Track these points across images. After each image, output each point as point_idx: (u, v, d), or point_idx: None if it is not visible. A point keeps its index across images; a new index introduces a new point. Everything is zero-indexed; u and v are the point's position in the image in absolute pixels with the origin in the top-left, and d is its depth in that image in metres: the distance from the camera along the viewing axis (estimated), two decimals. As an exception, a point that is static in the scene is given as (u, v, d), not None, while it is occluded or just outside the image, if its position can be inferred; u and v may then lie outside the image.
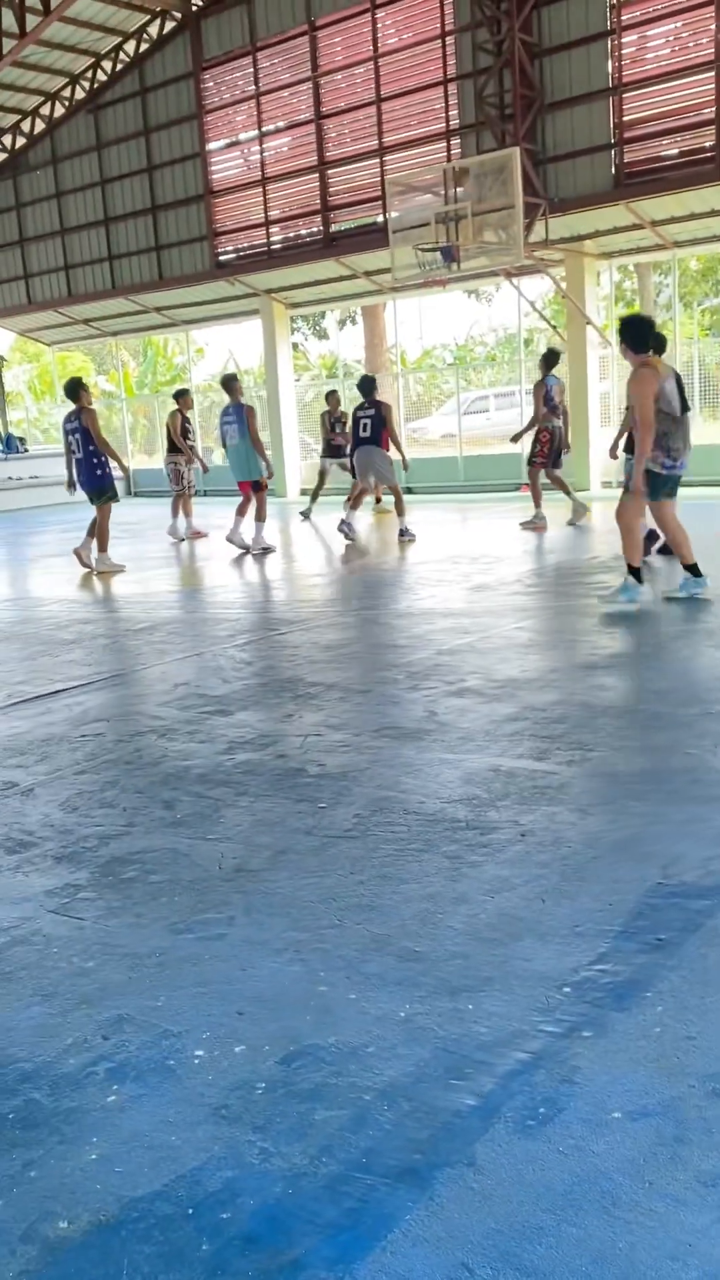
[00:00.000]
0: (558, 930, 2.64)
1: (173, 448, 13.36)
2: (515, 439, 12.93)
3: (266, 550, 11.12)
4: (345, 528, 11.47)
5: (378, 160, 16.92)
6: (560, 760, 3.91)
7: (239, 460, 11.13)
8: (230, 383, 11.32)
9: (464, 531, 12.54)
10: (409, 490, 18.24)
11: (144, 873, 3.14)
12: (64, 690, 5.58)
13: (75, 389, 10.25)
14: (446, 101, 15.97)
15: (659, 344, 7.20)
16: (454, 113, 15.89)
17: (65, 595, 9.29)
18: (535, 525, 11.46)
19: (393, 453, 11.53)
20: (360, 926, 2.71)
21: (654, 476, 6.60)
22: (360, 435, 11.51)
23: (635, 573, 6.70)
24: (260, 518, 11.15)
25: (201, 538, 12.98)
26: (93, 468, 10.21)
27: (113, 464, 10.34)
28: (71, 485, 10.53)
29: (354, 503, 11.76)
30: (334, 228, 17.88)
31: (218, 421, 11.63)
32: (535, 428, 11.60)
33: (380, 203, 16.53)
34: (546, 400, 11.37)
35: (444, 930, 2.67)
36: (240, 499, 11.41)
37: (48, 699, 5.41)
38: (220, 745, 4.38)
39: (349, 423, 12.39)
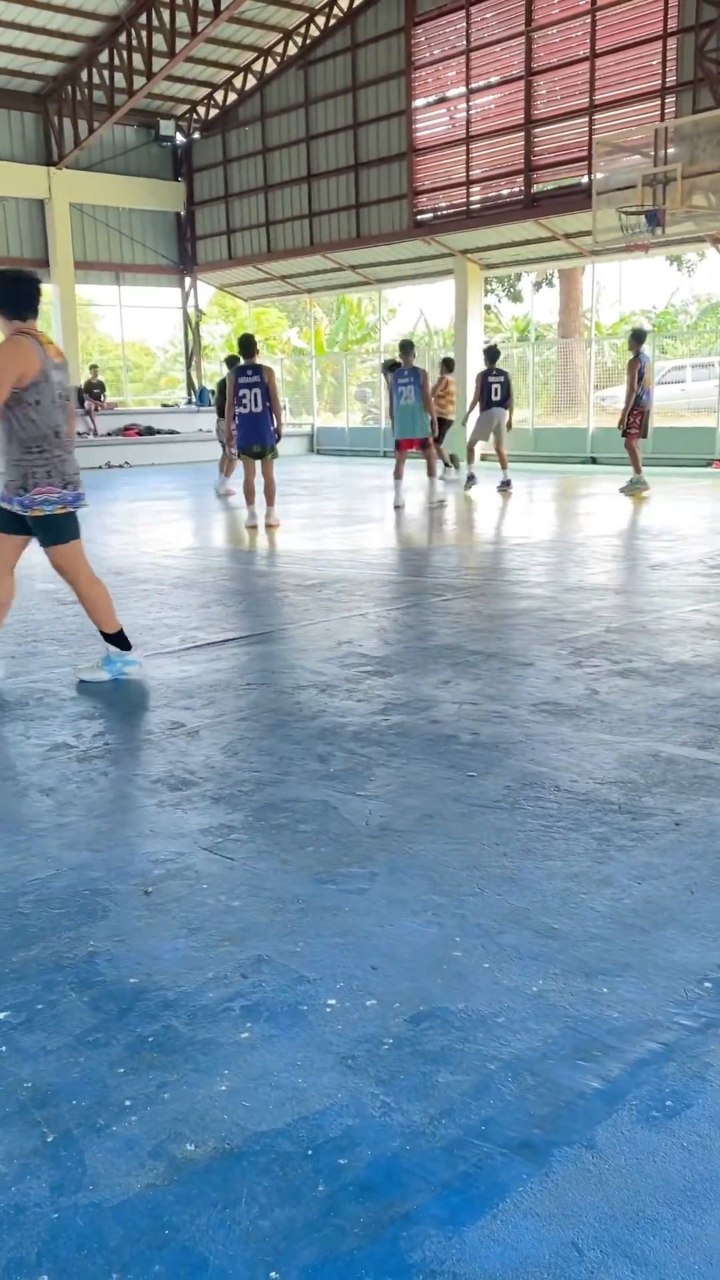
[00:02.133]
0: (704, 924, 2.56)
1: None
2: (621, 424, 13.04)
3: (441, 503, 12.10)
4: (470, 480, 13.14)
5: (586, 119, 16.42)
6: (724, 751, 3.78)
7: (409, 419, 11.91)
8: (407, 349, 12.10)
9: (648, 507, 12.17)
10: (594, 460, 17.84)
11: (294, 821, 3.23)
12: (233, 639, 5.75)
13: (253, 345, 10.54)
14: (665, 57, 15.32)
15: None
16: (670, 69, 15.23)
17: (242, 548, 9.54)
18: (634, 491, 12.59)
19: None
20: (500, 898, 2.71)
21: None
22: (493, 398, 13.37)
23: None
24: (431, 473, 12.27)
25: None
26: (269, 423, 10.43)
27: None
28: (231, 438, 10.81)
29: (470, 457, 13.48)
30: (535, 188, 17.49)
31: (389, 382, 12.60)
32: (629, 402, 12.60)
33: (586, 163, 16.07)
34: (639, 376, 12.37)
35: (585, 911, 2.64)
36: (399, 461, 12.17)
37: (218, 646, 5.59)
38: (376, 705, 4.43)
39: (480, 386, 13.56)
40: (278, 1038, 2.14)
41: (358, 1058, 2.07)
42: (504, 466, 13.76)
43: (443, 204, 19.00)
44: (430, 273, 21.11)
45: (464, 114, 18.29)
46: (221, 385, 14.11)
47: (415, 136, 19.10)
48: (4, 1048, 2.13)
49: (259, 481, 10.62)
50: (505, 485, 13.53)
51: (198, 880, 2.84)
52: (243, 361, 10.52)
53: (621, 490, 12.88)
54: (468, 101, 18.18)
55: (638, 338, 12.60)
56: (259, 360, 10.54)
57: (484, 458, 15.69)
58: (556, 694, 4.55)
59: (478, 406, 13.67)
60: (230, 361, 14.11)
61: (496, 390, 13.43)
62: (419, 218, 19.34)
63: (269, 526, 10.47)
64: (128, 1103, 1.95)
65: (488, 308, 26.50)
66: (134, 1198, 1.72)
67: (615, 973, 2.36)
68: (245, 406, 10.36)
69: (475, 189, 18.39)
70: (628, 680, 4.71)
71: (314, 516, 12.30)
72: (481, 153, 18.18)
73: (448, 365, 15.94)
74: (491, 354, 13.79)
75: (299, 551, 9.34)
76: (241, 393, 10.34)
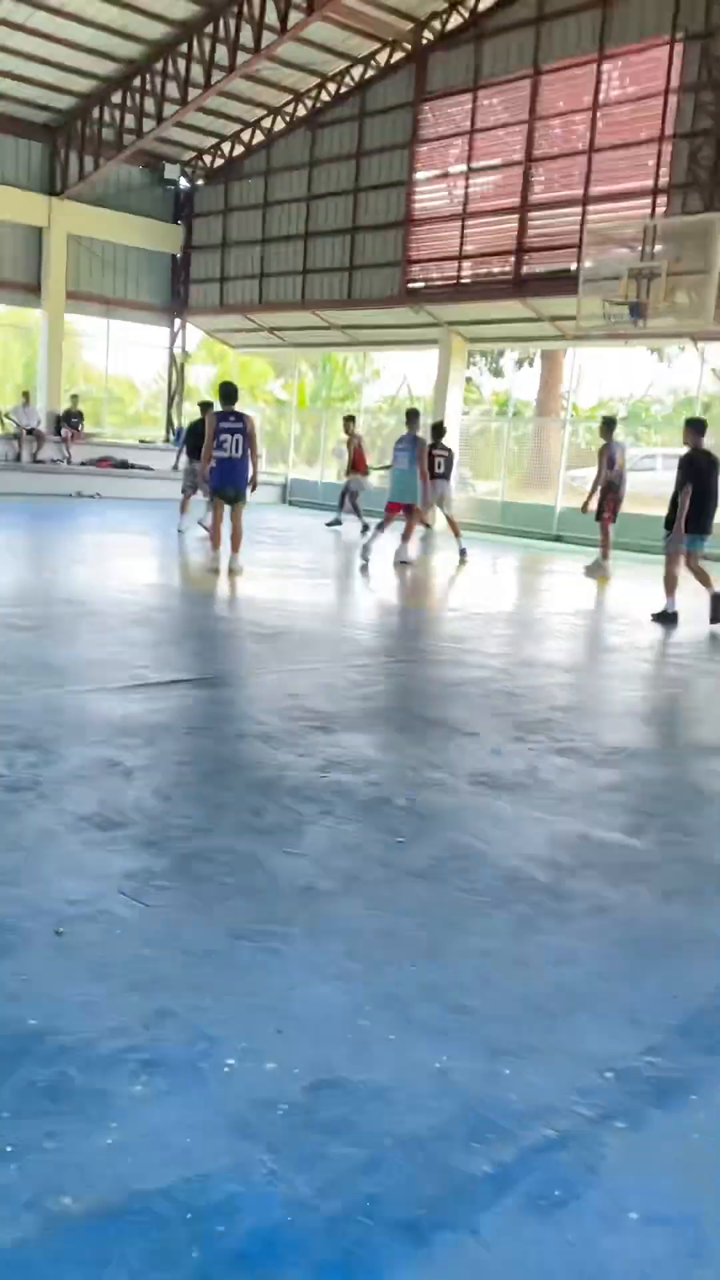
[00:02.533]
0: (614, 1013, 2.57)
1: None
2: (585, 508, 13.30)
3: (405, 563, 12.26)
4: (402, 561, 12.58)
5: (579, 209, 16.89)
6: (655, 840, 3.81)
7: (404, 484, 12.16)
8: (412, 416, 12.47)
9: (608, 589, 12.33)
10: (559, 538, 18.08)
11: (219, 872, 3.20)
12: (181, 681, 5.73)
13: (235, 393, 10.71)
14: (660, 158, 15.83)
15: None
16: (664, 170, 15.75)
17: (201, 590, 9.54)
18: (598, 575, 12.85)
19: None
20: (415, 969, 2.70)
21: None
22: (436, 471, 13.41)
23: None
24: (406, 537, 12.42)
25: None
26: (246, 470, 10.55)
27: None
28: (204, 481, 10.99)
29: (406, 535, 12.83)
30: (525, 269, 17.91)
31: (392, 446, 13.05)
32: (600, 487, 12.82)
33: (576, 251, 16.49)
34: (610, 463, 12.63)
35: (498, 990, 2.63)
36: (386, 519, 12.41)
37: (164, 687, 5.56)
38: (317, 761, 4.43)
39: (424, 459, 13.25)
40: (172, 1094, 2.11)
41: (250, 1122, 2.04)
42: (456, 534, 13.81)
43: (434, 275, 19.40)
44: (416, 340, 21.46)
45: (462, 191, 18.75)
46: (194, 426, 14.27)
47: (413, 207, 19.54)
48: None
49: (226, 527, 10.66)
50: (463, 554, 13.52)
51: (112, 925, 2.80)
52: (222, 408, 10.63)
53: (585, 569, 13.00)
54: (467, 180, 18.66)
55: (609, 425, 12.91)
56: (238, 408, 10.64)
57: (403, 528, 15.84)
58: (496, 767, 4.57)
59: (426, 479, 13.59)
60: (204, 406, 14.42)
61: (440, 464, 13.71)
62: (410, 286, 19.71)
63: (231, 572, 10.48)
64: (9, 1149, 1.90)
65: (469, 380, 26.95)
66: (2, 1250, 1.67)
67: (520, 1054, 2.35)
68: (225, 451, 10.44)
69: (467, 264, 18.79)
70: (567, 759, 4.75)
71: (278, 566, 12.33)
72: (476, 230, 18.61)
73: (437, 431, 16.24)
74: (437, 430, 14.16)
75: (259, 599, 9.35)
76: (222, 437, 10.41)
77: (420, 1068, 2.27)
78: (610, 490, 12.74)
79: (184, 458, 15.24)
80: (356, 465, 17.25)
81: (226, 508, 10.65)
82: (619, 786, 4.40)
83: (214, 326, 25.57)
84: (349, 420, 17.92)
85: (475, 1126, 2.08)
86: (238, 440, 10.45)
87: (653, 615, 9.11)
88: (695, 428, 9.03)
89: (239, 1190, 1.84)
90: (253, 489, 10.74)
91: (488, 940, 2.90)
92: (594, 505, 12.96)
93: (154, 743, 4.56)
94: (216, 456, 10.48)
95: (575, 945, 2.92)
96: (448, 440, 14.77)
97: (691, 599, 9.04)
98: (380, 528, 12.33)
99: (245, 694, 5.60)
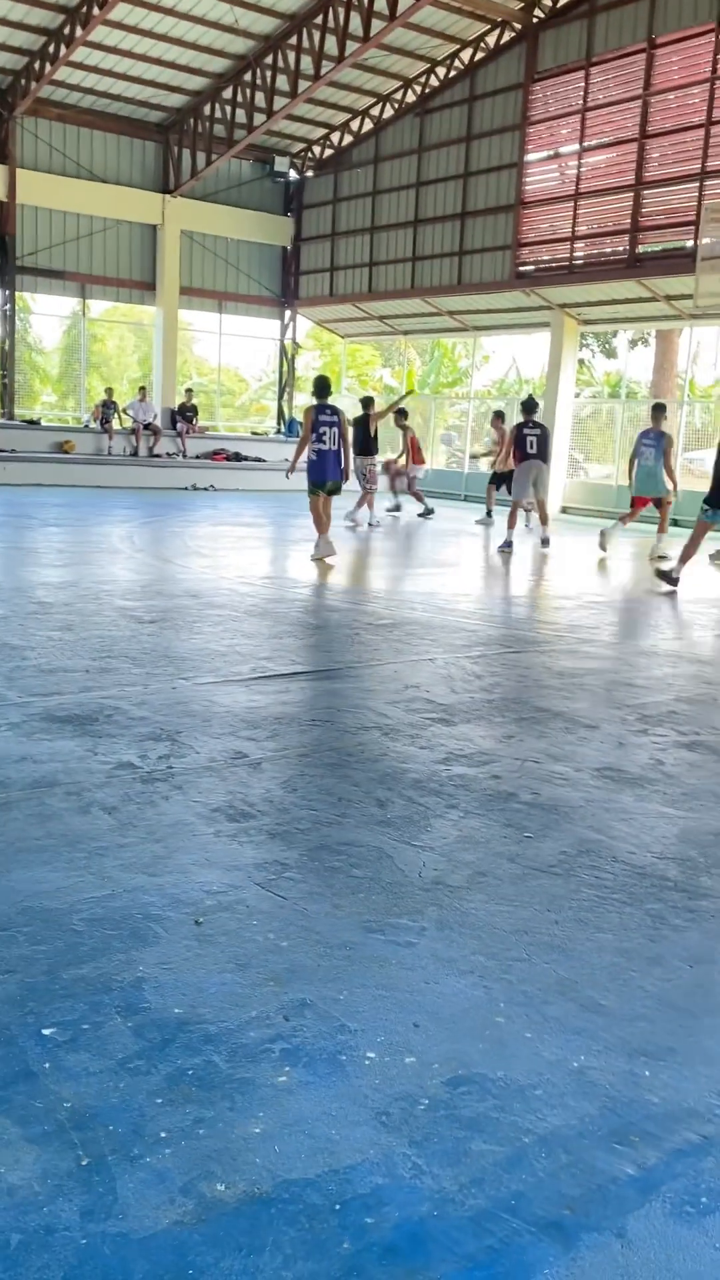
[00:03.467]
0: (754, 1016, 2.52)
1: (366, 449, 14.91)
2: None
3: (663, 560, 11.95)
4: (507, 548, 12.38)
5: (697, 184, 16.42)
6: (789, 837, 3.71)
7: (649, 478, 12.28)
8: (658, 411, 12.59)
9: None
10: (675, 523, 17.69)
11: (348, 864, 3.24)
12: (303, 673, 5.80)
13: (329, 386, 10.94)
14: (782, 128, 15.28)
15: None
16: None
17: (319, 581, 9.63)
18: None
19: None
20: (549, 966, 2.69)
21: None
22: (528, 451, 12.73)
23: None
24: (662, 530, 12.75)
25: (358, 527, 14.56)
26: (338, 462, 10.71)
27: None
28: (292, 471, 11.18)
29: (512, 521, 12.77)
30: (640, 249, 17.51)
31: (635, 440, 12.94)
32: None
33: (693, 227, 16.05)
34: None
35: (633, 989, 2.61)
36: (631, 514, 12.78)
37: (287, 679, 5.65)
38: (439, 754, 4.44)
39: (512, 439, 13.20)
40: (315, 1085, 2.15)
41: (392, 1115, 2.07)
42: (544, 522, 13.29)
43: (545, 257, 19.12)
44: (527, 323, 21.21)
45: (574, 171, 18.43)
46: (355, 422, 14.76)
47: (524, 190, 19.28)
48: (48, 1064, 2.17)
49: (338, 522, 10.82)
50: (544, 543, 12.97)
51: (249, 915, 2.87)
52: (318, 401, 10.76)
53: (710, 558, 12.50)
54: (579, 159, 18.32)
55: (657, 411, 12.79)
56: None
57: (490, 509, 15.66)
58: (620, 760, 4.51)
59: (512, 460, 13.15)
60: (366, 402, 15.48)
61: (532, 443, 12.87)
62: (520, 269, 19.47)
63: (320, 559, 10.56)
64: (163, 1134, 1.97)
65: (581, 361, 26.52)
66: (161, 1232, 1.74)
67: (659, 1056, 2.33)
68: (325, 443, 10.58)
69: (579, 245, 18.46)
70: (694, 753, 4.65)
71: (390, 555, 12.37)
72: (588, 210, 18.27)
73: (499, 416, 17.05)
74: (528, 406, 13.28)
75: (373, 590, 9.39)
76: (321, 430, 10.55)
77: (559, 1066, 2.27)
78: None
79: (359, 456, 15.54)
80: (414, 457, 17.31)
81: (326, 498, 10.85)
82: (750, 781, 4.29)
83: (323, 316, 25.72)
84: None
85: (617, 1128, 2.07)
86: (334, 433, 10.61)
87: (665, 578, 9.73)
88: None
89: (385, 1183, 1.88)
90: (346, 479, 10.93)
91: (621, 938, 2.87)
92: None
93: (278, 735, 4.64)
94: (316, 449, 10.62)
95: (710, 944, 2.87)
96: (540, 418, 14.12)
97: None
98: (623, 520, 12.62)
99: (364, 686, 5.64)
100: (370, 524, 14.74)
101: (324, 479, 10.72)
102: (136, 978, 2.52)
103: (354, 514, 14.78)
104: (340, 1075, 2.19)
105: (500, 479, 16.30)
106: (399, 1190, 1.86)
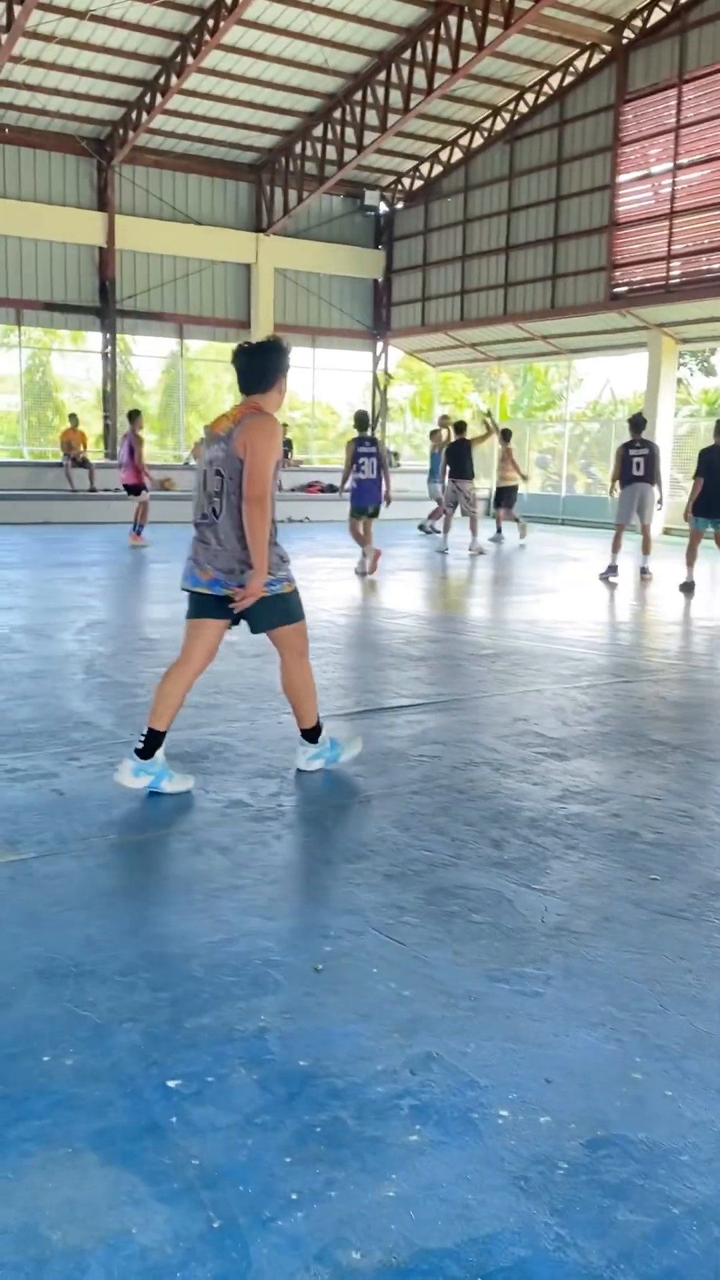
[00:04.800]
0: None
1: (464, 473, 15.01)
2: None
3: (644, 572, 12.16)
4: (610, 572, 11.98)
5: None
6: None
7: None
8: None
9: None
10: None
11: (467, 909, 3.16)
12: (407, 706, 5.74)
13: (368, 420, 11.84)
14: None
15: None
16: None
17: (414, 610, 9.58)
18: None
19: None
20: (684, 1018, 2.57)
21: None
22: (634, 473, 11.79)
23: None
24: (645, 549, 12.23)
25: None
26: (377, 488, 11.56)
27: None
28: (343, 492, 12.11)
29: (616, 545, 12.22)
30: (739, 264, 17.16)
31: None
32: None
33: None
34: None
35: (778, 1044, 2.47)
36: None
37: (391, 713, 5.59)
38: (554, 791, 4.32)
39: (619, 459, 12.25)
40: (447, 1145, 2.07)
41: (531, 1179, 1.98)
42: (645, 550, 12.18)
43: (640, 277, 18.88)
44: (623, 344, 20.95)
45: (669, 189, 18.18)
46: (452, 449, 15.13)
47: (617, 211, 19.09)
48: (174, 1118, 2.13)
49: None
50: (644, 573, 12.11)
51: (369, 962, 2.80)
52: (359, 434, 11.63)
53: None
54: (673, 177, 18.07)
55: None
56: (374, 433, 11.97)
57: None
58: (744, 795, 4.33)
59: (617, 484, 12.08)
60: (459, 426, 15.60)
61: (639, 465, 11.71)
62: (615, 290, 19.25)
63: (367, 573, 11.54)
64: (294, 1196, 1.91)
65: (679, 380, 26.07)
66: (298, 1303, 1.68)
67: None
68: (364, 472, 11.49)
69: (676, 263, 18.19)
70: None
71: (487, 582, 12.26)
72: (685, 228, 17.99)
73: (506, 436, 17.16)
74: (636, 424, 12.13)
75: (475, 619, 9.30)
76: (361, 460, 11.48)
77: (705, 1128, 2.14)
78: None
79: (444, 479, 15.63)
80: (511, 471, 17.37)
81: (367, 521, 11.83)
82: None
83: (415, 347, 25.81)
84: (433, 434, 17.94)
85: (772, 1200, 1.94)
86: (373, 463, 11.55)
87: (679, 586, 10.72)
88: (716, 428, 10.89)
89: (528, 1255, 1.79)
90: (387, 504, 11.61)
91: (759, 989, 2.72)
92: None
93: (386, 771, 4.58)
94: (356, 478, 11.60)
95: None
96: (649, 435, 13.05)
97: None
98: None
99: (471, 719, 5.55)
100: (471, 550, 14.67)
101: (364, 504, 11.60)
102: (259, 1027, 2.47)
103: (474, 542, 14.84)
104: (473, 1135, 2.10)
105: (501, 496, 17.07)
106: (543, 1263, 1.77)
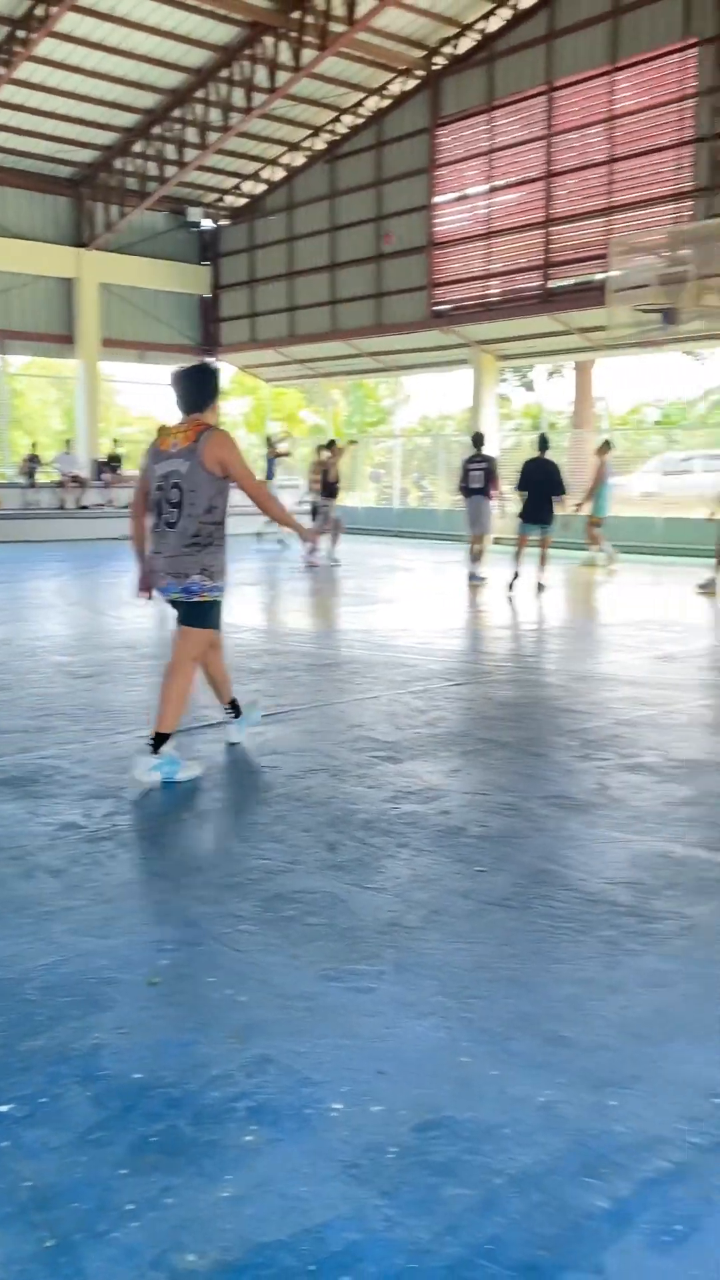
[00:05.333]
0: (714, 1035, 2.54)
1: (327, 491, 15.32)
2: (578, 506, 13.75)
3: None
4: (475, 579, 12.62)
5: (604, 219, 16.91)
6: (735, 853, 3.76)
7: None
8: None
9: (657, 595, 12.24)
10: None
11: (303, 913, 3.21)
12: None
13: (481, 440, 12.91)
14: (680, 164, 15.82)
15: None
16: (687, 175, 15.73)
17: (257, 624, 9.61)
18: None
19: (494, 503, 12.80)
20: (509, 1001, 2.69)
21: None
22: (471, 486, 12.50)
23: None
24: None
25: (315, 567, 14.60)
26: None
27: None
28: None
29: (475, 553, 12.92)
30: (552, 284, 17.93)
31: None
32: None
33: (602, 261, 16.49)
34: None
35: (594, 1018, 2.61)
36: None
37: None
38: (387, 793, 4.43)
39: (462, 473, 13.06)
40: (282, 1142, 2.12)
41: (362, 1167, 2.04)
42: (475, 559, 12.71)
43: (461, 295, 19.50)
44: (447, 361, 21.57)
45: (485, 211, 18.86)
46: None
47: (436, 231, 19.68)
48: (6, 1143, 2.10)
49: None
50: (473, 578, 12.58)
51: (205, 972, 2.82)
52: (474, 451, 12.50)
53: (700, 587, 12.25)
54: (488, 199, 18.76)
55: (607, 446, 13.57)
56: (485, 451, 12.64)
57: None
58: (567, 787, 4.55)
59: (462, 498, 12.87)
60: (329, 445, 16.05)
61: (478, 479, 12.43)
62: (437, 308, 19.81)
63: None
64: (130, 1207, 1.92)
65: (502, 396, 26.99)
66: (133, 1310, 1.69)
67: (624, 1085, 2.33)
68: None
69: (493, 282, 18.88)
70: (637, 775, 4.71)
71: (324, 596, 12.40)
72: (501, 248, 18.70)
73: (476, 441, 16.76)
74: (475, 440, 13.02)
75: (312, 630, 9.39)
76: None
77: (525, 1103, 2.26)
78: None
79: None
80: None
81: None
82: (693, 801, 4.36)
83: (246, 362, 25.88)
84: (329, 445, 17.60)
85: (588, 1161, 2.07)
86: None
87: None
88: (540, 443, 12.12)
89: (359, 1238, 1.85)
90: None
91: (578, 967, 2.88)
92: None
93: (225, 783, 4.60)
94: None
95: (665, 968, 2.89)
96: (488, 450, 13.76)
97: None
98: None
99: (308, 728, 5.63)
100: (323, 563, 14.68)
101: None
102: (93, 1044, 2.46)
103: (319, 554, 14.94)
104: (307, 1130, 2.15)
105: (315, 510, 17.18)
106: (373, 1245, 1.83)
